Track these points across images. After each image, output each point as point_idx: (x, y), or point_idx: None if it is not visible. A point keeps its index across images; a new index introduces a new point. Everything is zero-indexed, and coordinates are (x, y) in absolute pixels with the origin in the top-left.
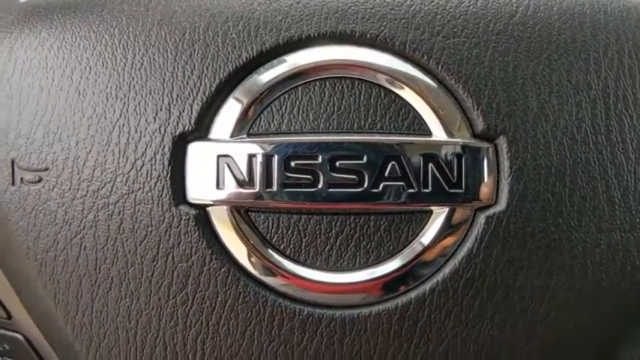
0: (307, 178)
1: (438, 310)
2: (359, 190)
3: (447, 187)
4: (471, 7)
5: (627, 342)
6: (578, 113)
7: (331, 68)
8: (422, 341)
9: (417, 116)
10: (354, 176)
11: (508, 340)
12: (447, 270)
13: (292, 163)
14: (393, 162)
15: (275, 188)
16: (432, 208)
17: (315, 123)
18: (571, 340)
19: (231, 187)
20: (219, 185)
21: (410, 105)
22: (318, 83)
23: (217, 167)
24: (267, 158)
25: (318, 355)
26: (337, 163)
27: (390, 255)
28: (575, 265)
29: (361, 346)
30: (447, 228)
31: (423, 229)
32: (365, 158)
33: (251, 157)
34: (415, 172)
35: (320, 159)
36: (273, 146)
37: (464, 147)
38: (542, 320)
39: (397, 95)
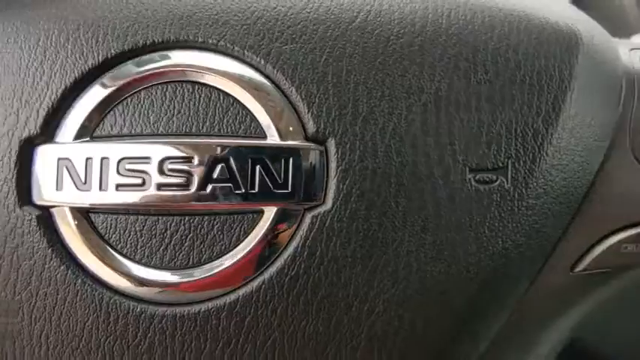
0: (139, 180)
1: (264, 306)
2: (187, 192)
3: (274, 188)
4: (312, 13)
5: (460, 341)
6: (408, 116)
7: (174, 72)
8: (250, 337)
9: (253, 120)
10: (183, 178)
11: (334, 335)
12: (273, 268)
13: (126, 166)
14: (222, 164)
15: (109, 190)
16: (263, 208)
17: (156, 126)
18: (398, 337)
19: (69, 189)
20: (58, 187)
21: (247, 109)
22: (160, 87)
23: (57, 170)
24: (103, 161)
25: (152, 350)
26: (167, 166)
27: (222, 254)
28: (399, 264)
29: (192, 341)
30: (276, 227)
31: (253, 228)
32: (194, 160)
33: (88, 159)
34: (243, 173)
35: (151, 161)
36: (108, 149)
37: (293, 149)
38: (367, 317)
39: (235, 99)
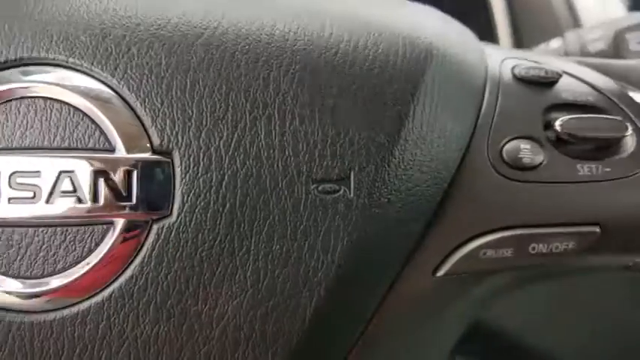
0: None
1: (116, 314)
2: (35, 205)
3: (120, 201)
4: (160, 30)
5: (314, 346)
6: (252, 129)
7: (27, 89)
8: (104, 343)
9: (102, 133)
10: (31, 192)
11: (187, 341)
12: (122, 278)
13: None
14: (68, 177)
15: None
16: (112, 219)
17: (9, 141)
18: (250, 341)
19: None
20: None
21: (96, 123)
22: (15, 103)
23: None
24: None
25: (13, 356)
26: (16, 180)
27: (74, 264)
28: (247, 271)
29: (50, 347)
30: (124, 238)
31: (103, 239)
32: (41, 175)
33: None
34: (88, 186)
35: (1, 175)
36: None
37: (138, 162)
38: (218, 323)
39: (85, 114)
